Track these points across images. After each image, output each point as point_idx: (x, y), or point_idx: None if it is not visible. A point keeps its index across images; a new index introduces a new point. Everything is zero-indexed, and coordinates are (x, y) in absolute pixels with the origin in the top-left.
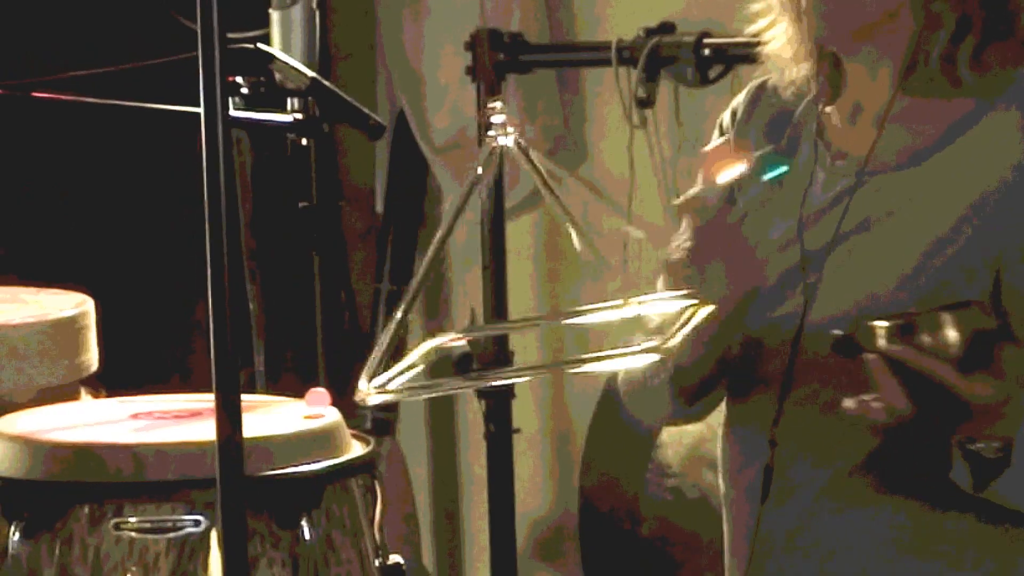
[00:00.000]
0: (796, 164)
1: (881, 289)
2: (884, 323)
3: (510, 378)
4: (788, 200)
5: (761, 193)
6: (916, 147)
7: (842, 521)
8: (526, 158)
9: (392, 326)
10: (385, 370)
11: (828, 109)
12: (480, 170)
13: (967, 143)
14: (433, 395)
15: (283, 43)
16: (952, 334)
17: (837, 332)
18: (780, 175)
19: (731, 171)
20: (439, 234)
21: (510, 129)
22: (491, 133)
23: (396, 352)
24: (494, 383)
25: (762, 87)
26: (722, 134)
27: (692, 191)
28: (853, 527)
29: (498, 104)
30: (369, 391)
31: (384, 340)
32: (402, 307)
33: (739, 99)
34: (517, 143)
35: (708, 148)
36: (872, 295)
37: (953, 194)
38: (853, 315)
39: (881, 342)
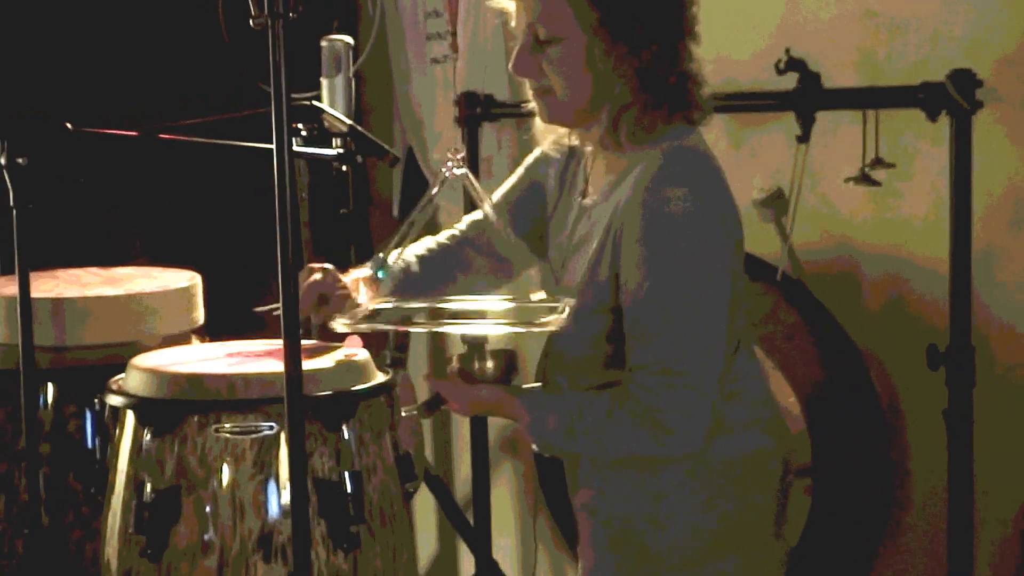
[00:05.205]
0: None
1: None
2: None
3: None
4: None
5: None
6: (607, 188)
7: None
8: (471, 186)
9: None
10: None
11: (587, 160)
12: (434, 190)
13: (625, 182)
14: (365, 329)
15: (330, 101)
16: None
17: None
18: (385, 275)
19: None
20: (402, 228)
21: (461, 165)
22: (446, 166)
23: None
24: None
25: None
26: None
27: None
28: None
29: (458, 146)
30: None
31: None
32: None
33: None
34: (466, 175)
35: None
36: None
37: (608, 221)
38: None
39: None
